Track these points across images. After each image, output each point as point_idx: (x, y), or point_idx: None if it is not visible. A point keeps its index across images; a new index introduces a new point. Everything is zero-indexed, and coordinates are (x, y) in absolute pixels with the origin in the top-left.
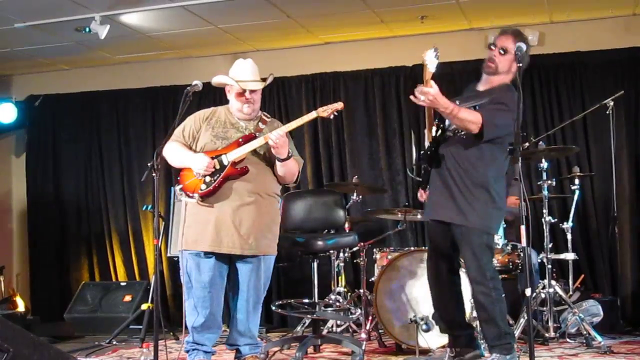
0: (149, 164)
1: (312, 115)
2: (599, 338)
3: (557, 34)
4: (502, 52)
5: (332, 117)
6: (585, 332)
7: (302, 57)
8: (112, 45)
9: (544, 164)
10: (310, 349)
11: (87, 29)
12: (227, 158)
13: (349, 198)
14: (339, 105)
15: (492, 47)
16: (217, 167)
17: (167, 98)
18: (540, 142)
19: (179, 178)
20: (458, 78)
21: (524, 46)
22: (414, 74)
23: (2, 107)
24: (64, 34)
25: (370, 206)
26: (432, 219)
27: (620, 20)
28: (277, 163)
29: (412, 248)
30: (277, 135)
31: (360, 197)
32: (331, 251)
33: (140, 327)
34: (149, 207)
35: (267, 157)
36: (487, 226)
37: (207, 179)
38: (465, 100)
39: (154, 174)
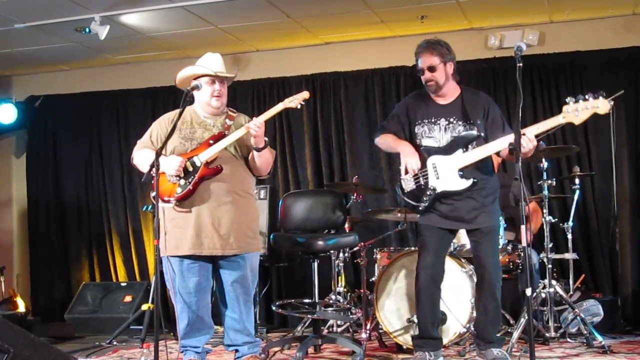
0: (149, 165)
1: (279, 107)
2: (599, 338)
3: (557, 33)
4: (431, 70)
5: (299, 106)
6: (585, 332)
7: (302, 57)
8: (112, 45)
9: (544, 164)
10: (311, 349)
11: (87, 30)
12: (200, 159)
13: (349, 198)
14: (305, 94)
15: (421, 73)
16: (191, 169)
17: (167, 98)
18: (541, 142)
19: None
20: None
21: (523, 46)
22: (414, 74)
23: (2, 108)
24: (64, 34)
25: (371, 206)
26: (451, 228)
27: (620, 19)
28: (255, 153)
29: (413, 248)
30: (258, 124)
31: (361, 197)
32: (331, 251)
33: (141, 327)
34: (149, 207)
35: (239, 153)
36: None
37: (182, 182)
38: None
39: (153, 174)
